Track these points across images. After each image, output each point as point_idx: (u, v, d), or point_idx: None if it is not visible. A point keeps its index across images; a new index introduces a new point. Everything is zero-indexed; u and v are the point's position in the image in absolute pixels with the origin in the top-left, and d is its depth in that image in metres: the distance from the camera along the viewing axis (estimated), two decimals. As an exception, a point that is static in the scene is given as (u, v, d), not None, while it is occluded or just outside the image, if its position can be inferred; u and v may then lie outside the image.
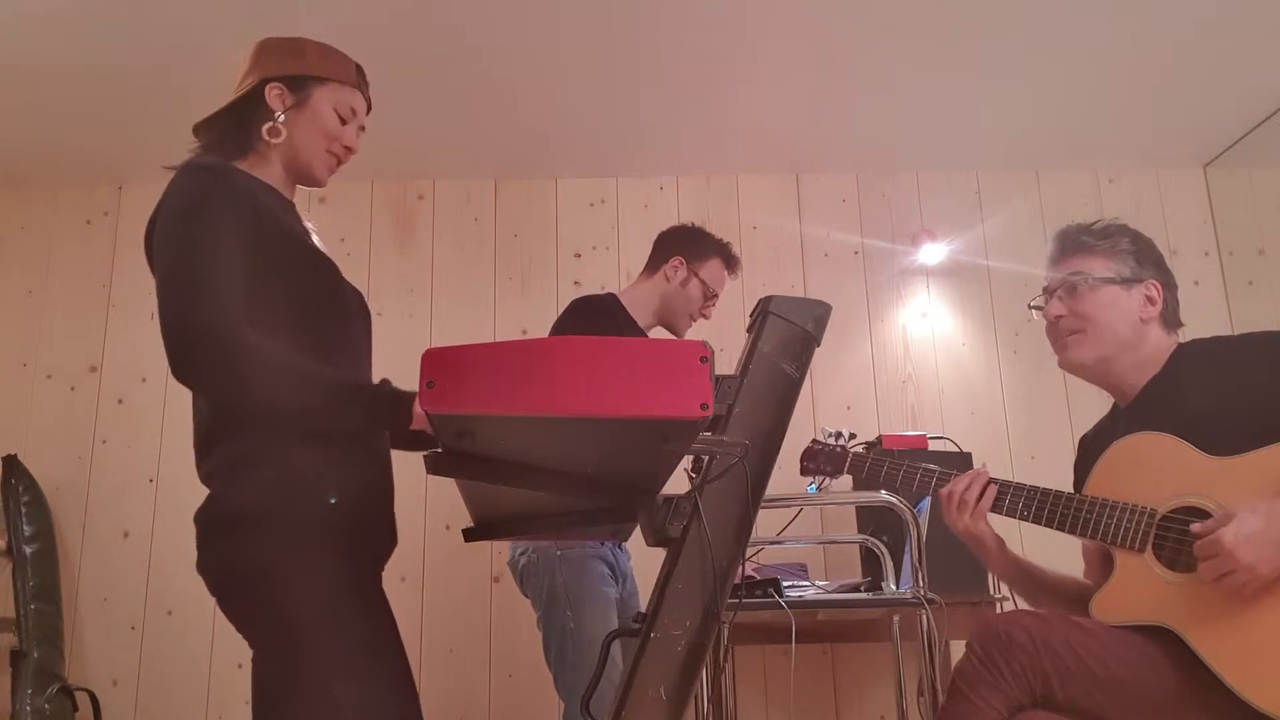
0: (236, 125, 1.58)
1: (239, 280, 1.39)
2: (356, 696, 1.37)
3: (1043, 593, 1.80)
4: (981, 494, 1.72)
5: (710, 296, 2.64)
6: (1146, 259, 1.78)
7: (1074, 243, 1.81)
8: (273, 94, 1.58)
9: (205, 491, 1.47)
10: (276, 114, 1.57)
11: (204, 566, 1.45)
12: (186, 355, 1.36)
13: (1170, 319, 1.77)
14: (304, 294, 1.50)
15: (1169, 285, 1.78)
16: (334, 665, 1.37)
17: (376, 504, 1.54)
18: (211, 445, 1.47)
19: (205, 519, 1.45)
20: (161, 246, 1.44)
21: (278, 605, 1.38)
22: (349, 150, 1.65)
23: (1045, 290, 1.84)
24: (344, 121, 1.63)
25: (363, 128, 1.68)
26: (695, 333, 2.74)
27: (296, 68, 1.59)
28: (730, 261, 2.66)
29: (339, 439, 1.47)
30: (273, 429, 1.43)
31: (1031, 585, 1.81)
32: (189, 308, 1.36)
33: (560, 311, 2.55)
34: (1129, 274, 1.76)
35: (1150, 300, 1.75)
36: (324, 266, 1.55)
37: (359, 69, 1.67)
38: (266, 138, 1.56)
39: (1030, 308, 1.89)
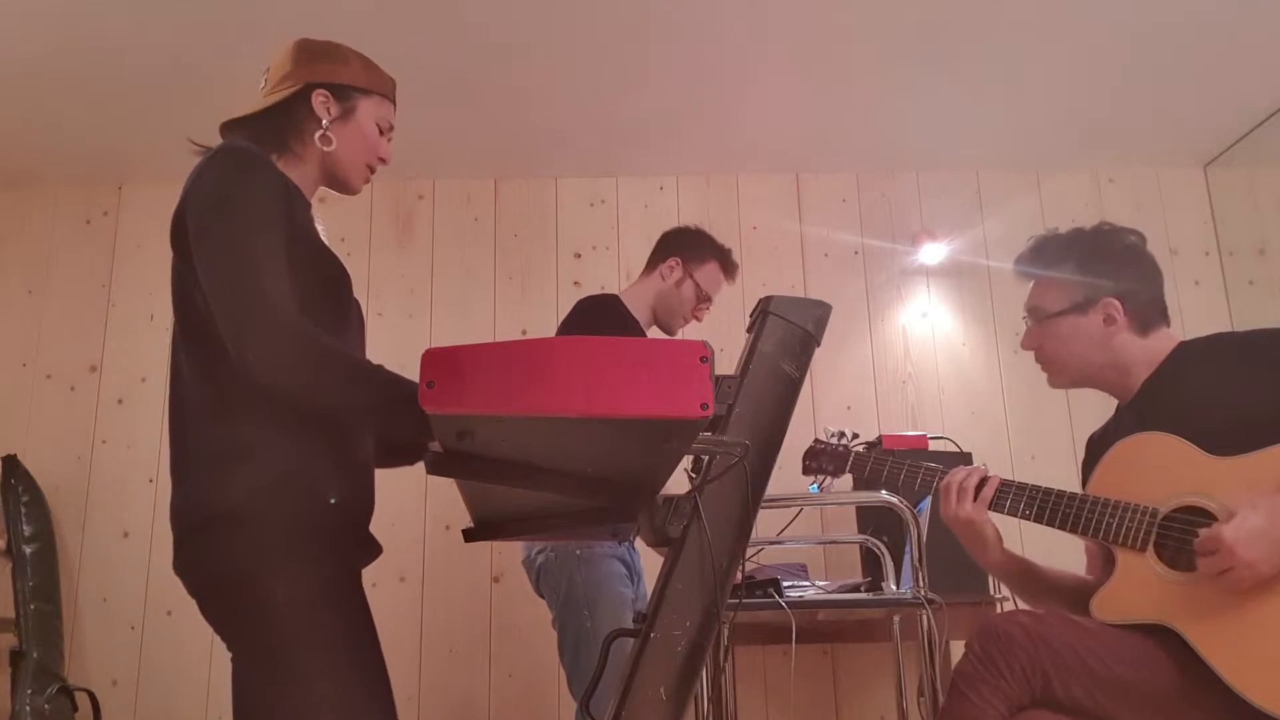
0: (276, 125, 1.56)
1: (286, 270, 1.37)
2: (339, 700, 1.35)
3: (1041, 589, 1.79)
4: (981, 484, 1.70)
5: (703, 299, 2.65)
6: (1101, 273, 1.73)
7: (1026, 276, 1.82)
8: (318, 100, 1.56)
9: None
10: (324, 121, 1.56)
11: (184, 567, 1.41)
12: (258, 345, 1.30)
13: (1144, 321, 1.73)
14: (318, 295, 1.47)
15: (1138, 285, 1.73)
16: (317, 669, 1.35)
17: (362, 512, 1.52)
18: (203, 429, 1.41)
19: (186, 517, 1.41)
20: (205, 231, 1.38)
21: (263, 607, 1.35)
22: (383, 162, 1.65)
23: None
24: (381, 133, 1.63)
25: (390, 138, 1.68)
26: (695, 333, 2.74)
27: (343, 76, 1.58)
28: (728, 267, 2.68)
29: (338, 444, 1.45)
30: (284, 424, 1.38)
31: (1029, 581, 1.79)
32: (253, 297, 1.32)
33: (561, 312, 2.56)
34: (1081, 298, 1.74)
35: (1109, 319, 1.72)
36: (340, 273, 1.54)
37: (393, 81, 1.67)
38: (319, 145, 1.55)
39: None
